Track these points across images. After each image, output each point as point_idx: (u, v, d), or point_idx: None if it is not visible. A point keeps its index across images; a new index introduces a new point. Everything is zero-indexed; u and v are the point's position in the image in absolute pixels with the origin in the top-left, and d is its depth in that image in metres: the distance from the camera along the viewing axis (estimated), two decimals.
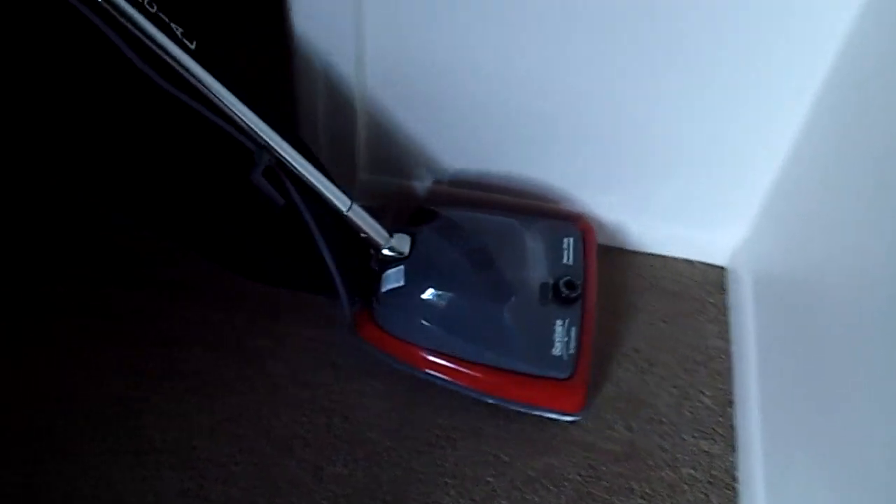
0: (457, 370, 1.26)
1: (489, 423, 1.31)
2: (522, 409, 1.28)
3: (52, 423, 1.27)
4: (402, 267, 1.25)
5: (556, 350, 1.24)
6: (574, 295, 1.27)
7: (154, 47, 0.95)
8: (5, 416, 1.28)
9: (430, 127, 1.40)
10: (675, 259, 1.53)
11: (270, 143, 1.06)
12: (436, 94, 1.32)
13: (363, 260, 1.27)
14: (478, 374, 1.25)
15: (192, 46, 0.98)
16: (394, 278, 1.25)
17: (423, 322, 1.24)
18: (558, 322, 1.25)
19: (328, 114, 1.38)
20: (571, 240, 1.36)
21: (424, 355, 1.27)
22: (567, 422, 1.29)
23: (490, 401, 1.28)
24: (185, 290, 1.43)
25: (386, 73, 1.31)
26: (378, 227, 1.23)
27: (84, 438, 1.26)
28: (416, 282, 1.24)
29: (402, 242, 1.26)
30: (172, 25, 0.96)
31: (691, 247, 1.51)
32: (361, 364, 1.34)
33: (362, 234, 1.23)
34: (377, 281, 1.27)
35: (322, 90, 1.33)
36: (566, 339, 1.25)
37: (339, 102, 1.35)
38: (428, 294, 1.24)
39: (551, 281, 1.28)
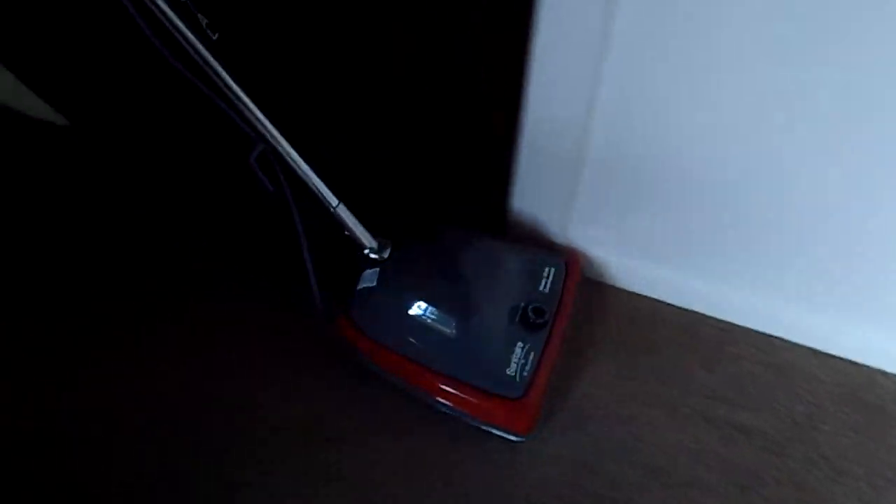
0: (417, 374, 1.29)
1: None
2: (474, 423, 1.30)
3: None
4: (378, 269, 1.30)
5: (511, 370, 1.26)
6: (540, 321, 1.30)
7: (175, 33, 0.99)
8: None
9: (645, 205, 1.37)
10: None
11: (267, 132, 1.11)
12: (661, 173, 1.31)
13: (343, 257, 1.31)
14: (435, 382, 1.28)
15: (215, 38, 1.02)
16: (368, 278, 1.30)
17: (390, 325, 1.29)
18: (519, 345, 1.28)
19: (546, 167, 1.37)
20: (553, 270, 1.38)
21: (390, 355, 1.30)
22: (513, 442, 1.31)
23: (444, 410, 1.30)
24: None
25: (610, 144, 1.30)
26: (362, 228, 1.28)
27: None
28: (387, 285, 1.29)
29: (384, 247, 1.31)
30: (199, 16, 1.00)
31: None
32: None
33: (346, 233, 1.27)
34: (357, 279, 1.32)
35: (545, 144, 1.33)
36: (523, 361, 1.27)
37: (559, 159, 1.34)
38: (396, 298, 1.29)
39: (521, 305, 1.31)
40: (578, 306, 1.43)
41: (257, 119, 1.10)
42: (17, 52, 1.12)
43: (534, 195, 1.39)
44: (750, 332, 1.42)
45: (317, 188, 1.19)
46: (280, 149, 1.13)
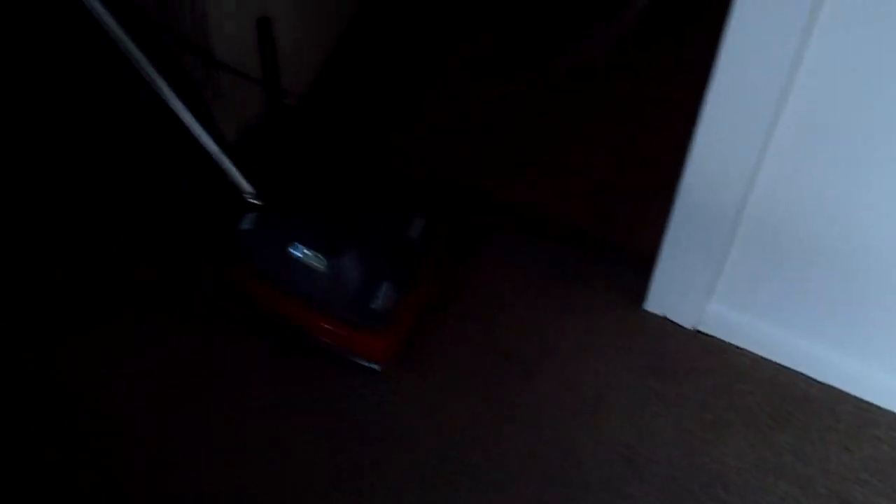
0: (291, 308, 1.40)
1: None
2: (342, 354, 1.41)
3: None
4: (257, 214, 1.38)
5: (375, 304, 1.35)
6: (407, 263, 1.40)
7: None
8: None
9: (795, 276, 1.36)
10: None
11: (152, 78, 1.19)
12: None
13: (222, 197, 1.38)
14: (307, 315, 1.39)
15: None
16: (249, 221, 1.38)
17: (268, 264, 1.39)
18: (385, 283, 1.35)
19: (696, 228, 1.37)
20: (423, 220, 1.43)
21: (264, 291, 1.41)
22: (374, 370, 1.40)
23: (321, 344, 1.41)
24: None
25: (768, 213, 1.30)
26: (241, 177, 1.34)
27: None
28: (264, 226, 1.37)
29: (264, 193, 1.37)
30: None
31: None
32: None
33: (228, 178, 1.34)
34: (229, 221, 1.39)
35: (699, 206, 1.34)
36: (387, 298, 1.35)
37: (715, 219, 1.33)
38: (271, 238, 1.37)
39: (391, 248, 1.40)
40: (698, 364, 1.45)
41: (143, 64, 1.17)
42: None
43: (684, 252, 1.40)
44: (893, 415, 1.41)
45: (199, 136, 1.27)
46: (164, 95, 1.21)
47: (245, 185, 1.35)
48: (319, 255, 1.34)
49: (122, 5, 1.15)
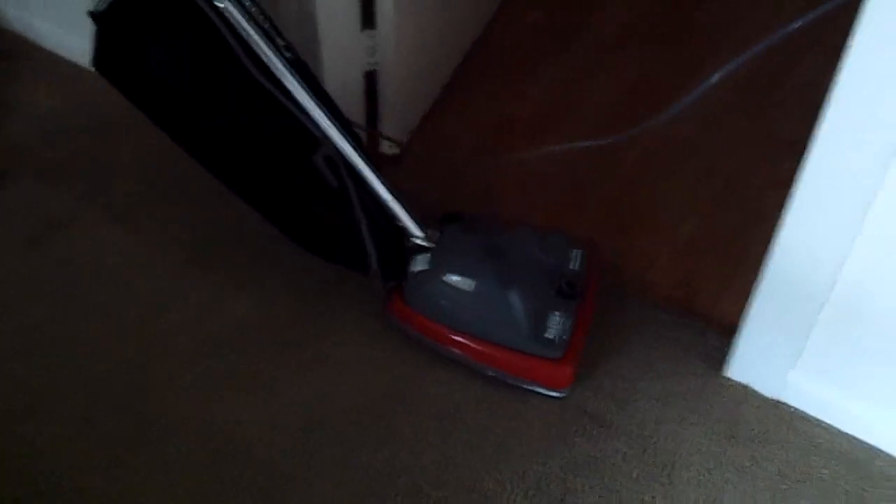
0: (467, 345, 1.49)
1: None
2: (517, 383, 1.49)
3: None
4: (429, 254, 1.47)
5: (550, 334, 1.44)
6: (573, 292, 1.47)
7: (260, 52, 1.24)
8: None
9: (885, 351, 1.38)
10: None
11: (332, 136, 1.31)
12: None
13: (398, 244, 1.48)
14: (483, 349, 1.48)
15: (290, 56, 1.27)
16: (422, 262, 1.47)
17: (442, 301, 1.47)
18: (556, 313, 1.45)
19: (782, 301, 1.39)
20: (580, 252, 1.54)
21: (443, 331, 1.49)
22: (554, 397, 1.49)
23: (490, 373, 1.50)
24: None
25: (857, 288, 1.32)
26: (413, 219, 1.45)
27: None
28: (439, 266, 1.46)
29: (433, 234, 1.48)
30: (278, 40, 1.25)
31: None
32: None
33: (398, 223, 1.44)
34: (409, 264, 1.48)
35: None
36: (560, 327, 1.44)
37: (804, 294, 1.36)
38: (447, 276, 1.46)
39: (558, 279, 1.48)
40: (776, 434, 1.46)
41: (323, 123, 1.30)
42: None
43: (768, 323, 1.42)
44: None
45: (374, 183, 1.38)
46: (342, 150, 1.33)
47: (415, 230, 1.46)
48: (492, 291, 1.45)
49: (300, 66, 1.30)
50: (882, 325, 1.32)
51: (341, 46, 1.62)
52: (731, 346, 1.49)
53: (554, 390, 1.49)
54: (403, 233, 1.47)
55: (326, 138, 1.32)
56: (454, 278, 1.46)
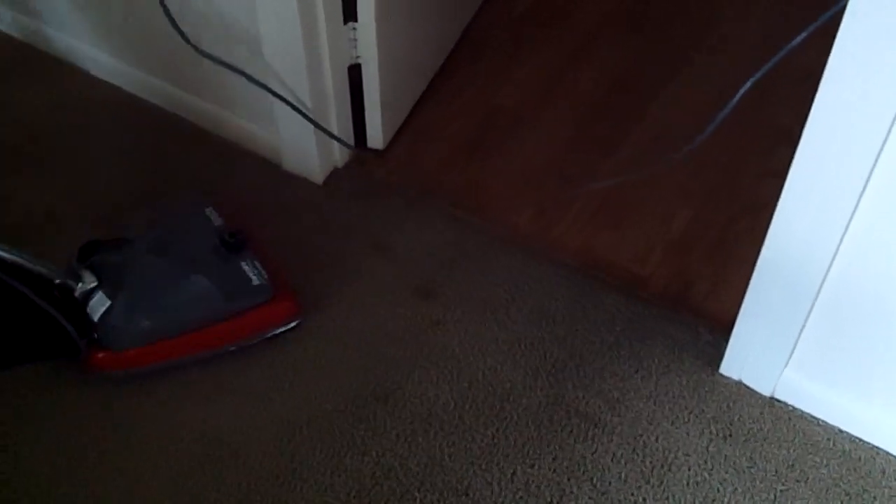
0: (195, 342, 1.47)
1: None
2: (261, 339, 1.51)
3: None
4: (100, 292, 1.41)
5: (255, 281, 1.46)
6: (237, 239, 1.48)
7: None
8: None
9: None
10: None
11: None
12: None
13: (71, 302, 1.40)
14: (211, 335, 1.47)
15: None
16: (100, 303, 1.41)
17: (144, 322, 1.42)
18: (242, 263, 1.47)
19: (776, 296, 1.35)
20: (211, 209, 1.54)
21: (166, 346, 1.45)
22: (293, 327, 1.53)
23: (232, 348, 1.50)
24: None
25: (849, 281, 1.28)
26: (53, 269, 1.38)
27: None
28: (117, 295, 1.41)
29: (87, 274, 1.42)
30: None
31: None
32: None
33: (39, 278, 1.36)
34: (85, 316, 1.41)
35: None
36: (257, 270, 1.47)
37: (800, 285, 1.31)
38: (134, 297, 1.41)
39: (216, 240, 1.48)
40: (772, 432, 1.42)
41: None
42: None
43: (763, 319, 1.38)
44: None
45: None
46: None
47: (55, 275, 1.39)
48: (179, 286, 1.42)
49: None
50: (878, 319, 1.29)
51: (323, 40, 1.58)
52: (726, 342, 1.46)
53: (290, 322, 1.53)
54: (63, 288, 1.41)
55: None
56: (141, 295, 1.42)
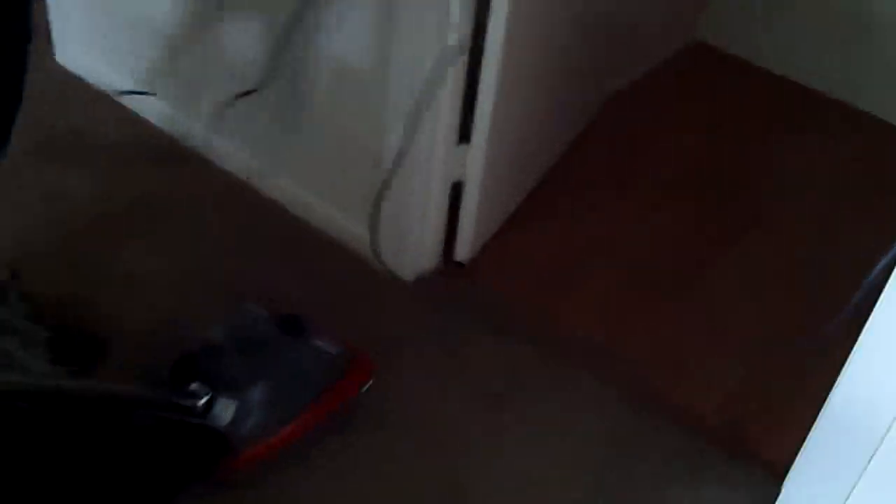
0: (305, 423, 1.52)
1: None
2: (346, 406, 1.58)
3: None
4: (221, 399, 1.45)
5: (333, 351, 1.56)
6: (296, 319, 1.56)
7: None
8: None
9: None
10: None
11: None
12: None
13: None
14: (314, 412, 1.53)
15: None
16: (222, 409, 1.45)
17: (272, 414, 1.48)
18: (313, 340, 1.56)
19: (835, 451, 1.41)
20: (249, 303, 1.62)
21: (284, 435, 1.50)
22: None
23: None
24: None
25: None
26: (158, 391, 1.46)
27: None
28: (239, 397, 1.45)
29: (201, 387, 1.45)
30: None
31: None
32: None
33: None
34: (213, 425, 1.45)
35: None
36: (327, 343, 1.56)
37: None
38: (253, 395, 1.46)
39: (276, 328, 1.56)
40: None
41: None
42: None
43: (817, 473, 1.45)
44: None
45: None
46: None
47: (186, 401, 1.44)
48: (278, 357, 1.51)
49: None
50: None
51: (435, 160, 1.72)
52: (779, 489, 1.52)
53: (369, 382, 1.60)
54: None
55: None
56: (256, 391, 1.46)
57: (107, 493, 1.39)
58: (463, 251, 1.93)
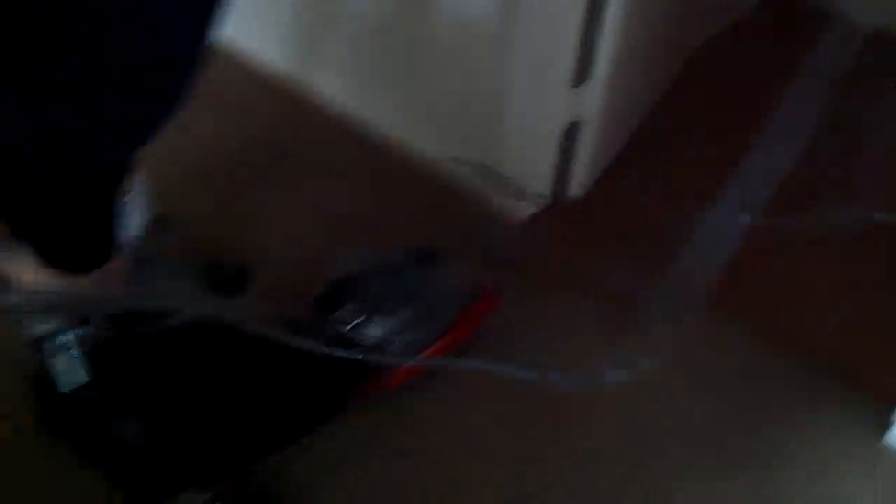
0: (444, 347, 1.58)
1: None
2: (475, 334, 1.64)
3: None
4: (374, 319, 1.55)
5: (467, 279, 1.66)
6: (430, 252, 1.66)
7: None
8: None
9: None
10: None
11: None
12: None
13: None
14: (452, 337, 1.59)
15: None
16: (375, 329, 1.54)
17: (421, 333, 1.55)
18: (446, 269, 1.66)
19: None
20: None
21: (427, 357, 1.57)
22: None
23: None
24: None
25: None
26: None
27: None
28: (389, 317, 1.55)
29: (351, 309, 1.57)
30: None
31: None
32: None
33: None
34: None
35: None
36: (458, 273, 1.66)
37: None
38: (401, 315, 1.55)
39: (414, 260, 1.66)
40: None
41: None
42: None
43: None
44: None
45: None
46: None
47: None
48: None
49: None
50: None
51: (552, 99, 1.78)
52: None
53: (496, 310, 1.68)
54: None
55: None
56: (402, 316, 1.55)
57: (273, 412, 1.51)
58: (577, 187, 1.99)
